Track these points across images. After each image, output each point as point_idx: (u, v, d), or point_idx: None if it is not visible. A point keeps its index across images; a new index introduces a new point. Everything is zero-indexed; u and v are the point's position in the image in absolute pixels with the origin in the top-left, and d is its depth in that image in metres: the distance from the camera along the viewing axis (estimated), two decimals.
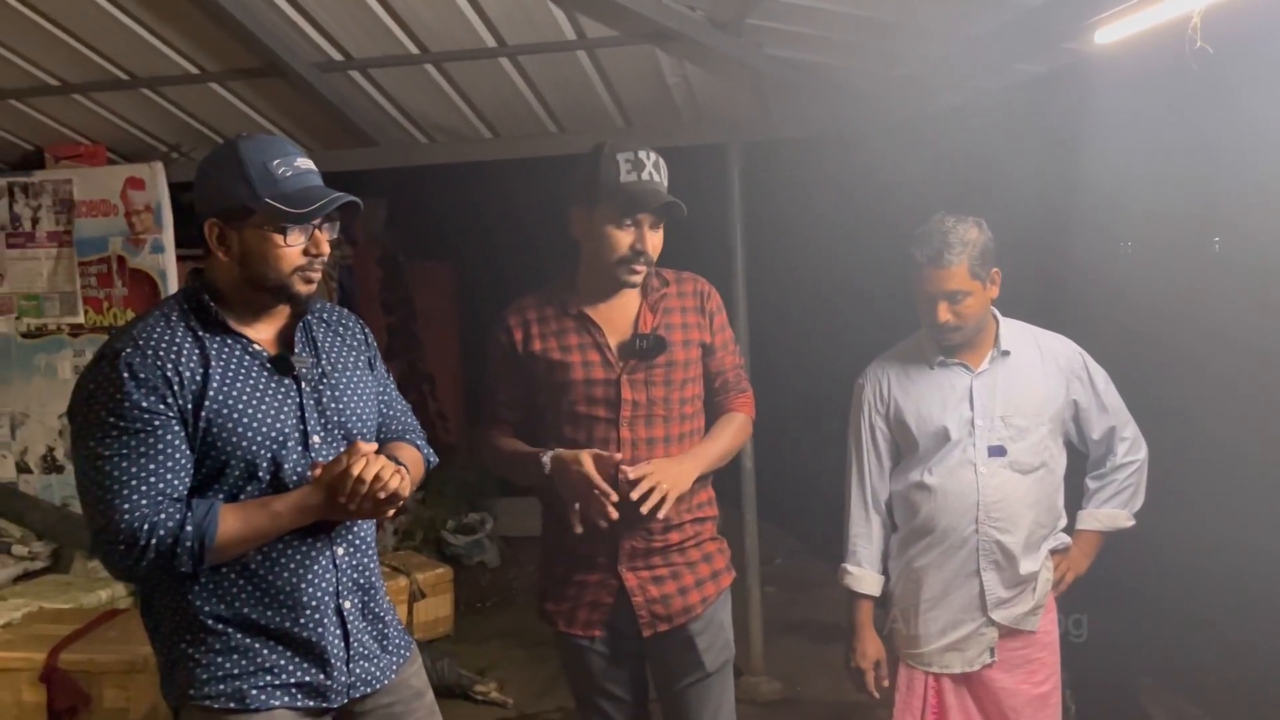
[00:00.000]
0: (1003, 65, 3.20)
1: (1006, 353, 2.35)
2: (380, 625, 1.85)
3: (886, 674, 2.42)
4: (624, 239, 2.11)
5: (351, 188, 1.73)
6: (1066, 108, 3.47)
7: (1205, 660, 3.16)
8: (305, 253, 1.70)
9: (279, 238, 1.67)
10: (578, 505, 2.06)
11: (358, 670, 1.79)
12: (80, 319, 4.38)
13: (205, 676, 1.70)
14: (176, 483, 1.63)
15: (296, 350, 1.77)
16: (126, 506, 1.58)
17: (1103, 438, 2.44)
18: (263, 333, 1.77)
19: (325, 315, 1.89)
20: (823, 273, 5.71)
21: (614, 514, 2.01)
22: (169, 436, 1.62)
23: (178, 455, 1.63)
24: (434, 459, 2.01)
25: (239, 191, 1.66)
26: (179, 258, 4.36)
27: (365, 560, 1.82)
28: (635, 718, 2.32)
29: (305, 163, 1.71)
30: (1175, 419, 3.14)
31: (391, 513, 1.73)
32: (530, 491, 3.01)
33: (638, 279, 2.15)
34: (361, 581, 1.81)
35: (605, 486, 2.01)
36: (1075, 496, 2.48)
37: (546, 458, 2.09)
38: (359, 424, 1.82)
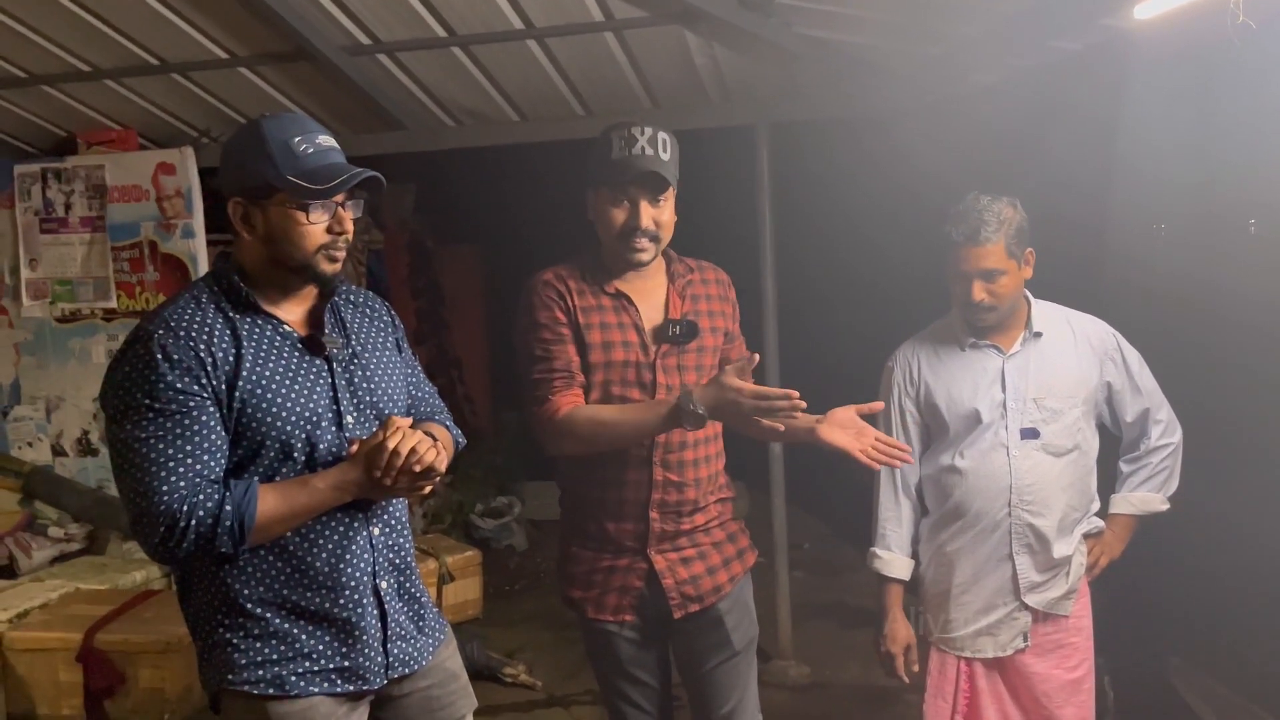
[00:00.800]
0: (1039, 43, 3.14)
1: (1039, 334, 2.32)
2: (416, 606, 1.85)
3: (916, 659, 2.40)
4: (619, 215, 2.11)
5: (380, 172, 1.73)
6: (1103, 86, 3.39)
7: (1235, 641, 3.12)
8: (329, 230, 1.70)
9: (302, 215, 1.67)
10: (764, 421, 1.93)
11: (395, 651, 1.80)
12: (113, 304, 4.43)
13: (244, 662, 1.70)
14: (214, 464, 1.63)
15: (326, 331, 1.77)
16: (165, 489, 1.58)
17: (1136, 420, 2.41)
18: (292, 314, 1.77)
19: (352, 297, 1.90)
20: (852, 254, 5.66)
21: (802, 403, 1.87)
22: (204, 418, 1.62)
23: (214, 436, 1.63)
24: (462, 440, 2.01)
25: (262, 169, 1.66)
26: (210, 242, 4.40)
27: (400, 540, 1.83)
28: (661, 701, 2.32)
29: (327, 140, 1.71)
30: (1211, 401, 3.09)
31: (428, 489, 1.73)
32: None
33: (644, 256, 2.13)
34: (397, 562, 1.82)
35: (776, 389, 1.88)
36: (1108, 480, 2.45)
37: (695, 405, 1.93)
38: (390, 404, 1.82)
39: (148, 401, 1.60)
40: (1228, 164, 3.31)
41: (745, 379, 1.91)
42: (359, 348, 1.82)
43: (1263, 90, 2.94)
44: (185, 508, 1.58)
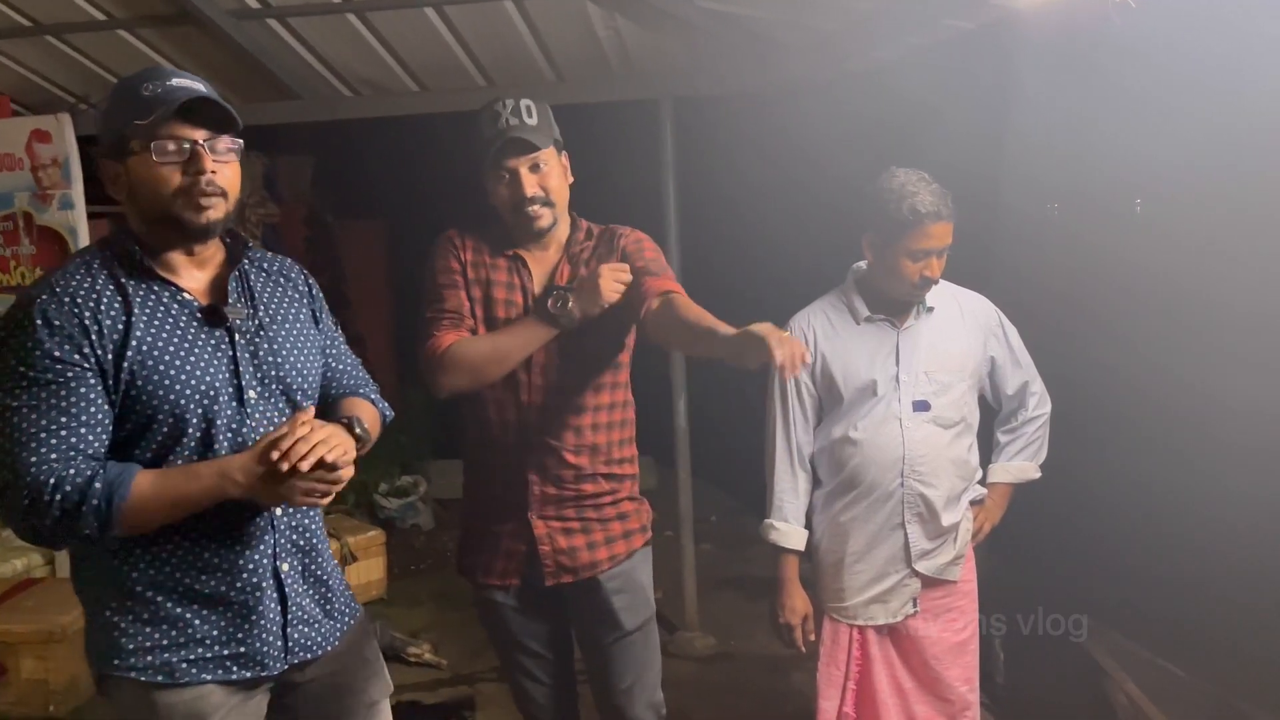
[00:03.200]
0: (933, 20, 3.19)
1: (931, 309, 2.37)
2: (323, 589, 1.78)
3: (814, 628, 2.44)
4: (504, 191, 2.12)
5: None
6: (995, 65, 3.48)
7: (1141, 598, 3.24)
8: (184, 172, 1.57)
9: (149, 157, 1.56)
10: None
11: (296, 635, 1.72)
12: None
13: (131, 647, 1.62)
14: (91, 438, 1.53)
15: (231, 300, 1.66)
16: (34, 460, 1.49)
17: (1016, 393, 2.50)
18: (194, 281, 1.66)
19: (265, 264, 1.80)
20: (755, 230, 5.70)
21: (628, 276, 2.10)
22: (83, 389, 1.53)
23: (93, 409, 1.54)
24: (389, 413, 1.95)
25: (113, 121, 1.59)
26: (91, 215, 4.18)
27: (305, 521, 1.74)
28: (559, 674, 2.33)
29: (182, 81, 1.59)
30: (1096, 373, 3.22)
31: (328, 496, 1.60)
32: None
33: (542, 223, 2.14)
34: (301, 543, 1.73)
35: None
36: (984, 451, 2.53)
37: (557, 297, 2.08)
38: (300, 379, 1.73)
39: (23, 369, 1.52)
40: (1114, 143, 3.43)
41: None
42: (266, 319, 1.71)
43: (1142, 70, 3.05)
44: (52, 480, 1.49)
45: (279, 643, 1.70)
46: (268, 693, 1.76)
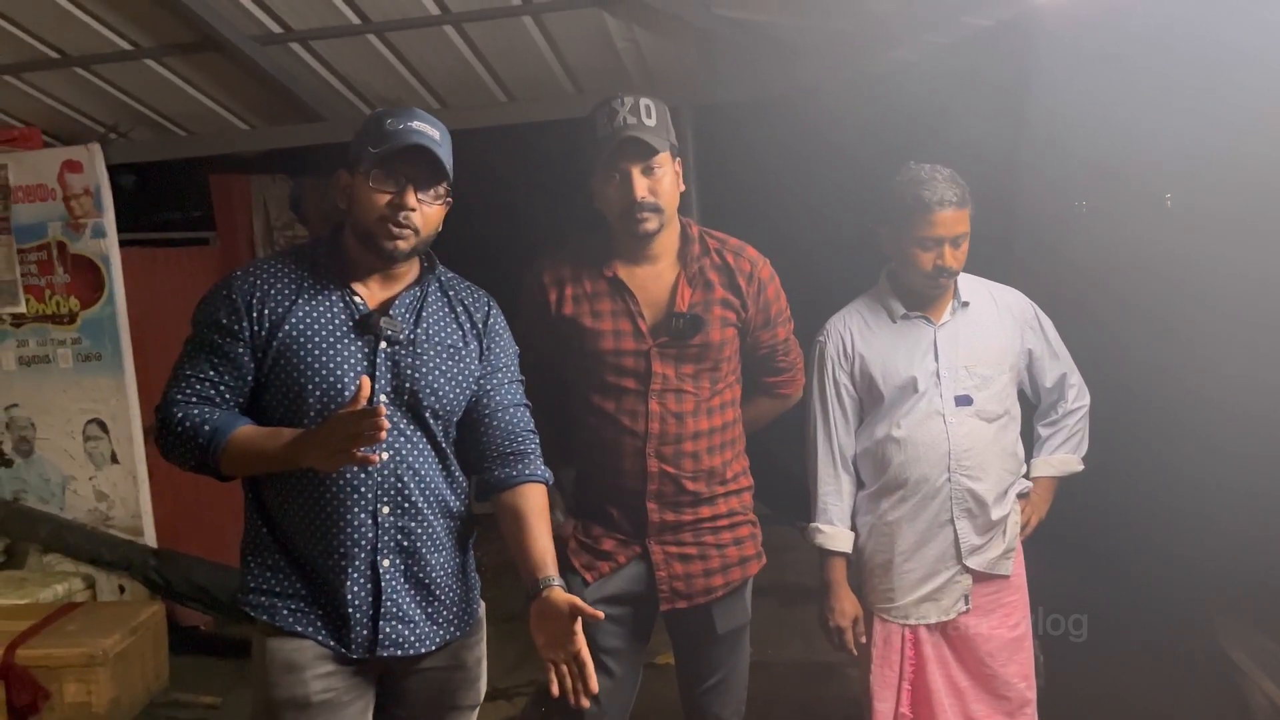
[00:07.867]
0: (951, 18, 3.18)
1: (966, 304, 2.37)
2: (427, 594, 1.84)
3: (864, 631, 2.42)
4: (613, 192, 2.06)
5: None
6: (1015, 61, 3.45)
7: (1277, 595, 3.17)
8: (390, 204, 1.75)
9: (364, 181, 1.76)
10: None
11: (388, 630, 1.80)
12: (22, 308, 4.24)
13: (252, 585, 1.82)
14: (225, 392, 1.78)
15: (393, 313, 1.80)
16: (176, 394, 1.79)
17: (1055, 385, 2.48)
18: (376, 291, 1.83)
19: (452, 290, 1.91)
20: (779, 234, 5.68)
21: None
22: (231, 354, 1.77)
23: (233, 371, 1.78)
24: (548, 477, 1.95)
25: (357, 140, 1.80)
26: (122, 242, 4.24)
27: (414, 525, 1.81)
28: (620, 699, 2.28)
29: (423, 125, 1.77)
30: (1151, 372, 3.17)
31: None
32: None
33: (649, 226, 2.06)
34: (406, 545, 1.81)
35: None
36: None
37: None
38: (434, 399, 1.82)
39: (199, 322, 1.82)
40: (1141, 137, 3.39)
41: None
42: (422, 337, 1.82)
43: (1166, 60, 3.01)
44: (180, 414, 1.77)
45: (364, 631, 1.79)
46: (375, 676, 1.87)
